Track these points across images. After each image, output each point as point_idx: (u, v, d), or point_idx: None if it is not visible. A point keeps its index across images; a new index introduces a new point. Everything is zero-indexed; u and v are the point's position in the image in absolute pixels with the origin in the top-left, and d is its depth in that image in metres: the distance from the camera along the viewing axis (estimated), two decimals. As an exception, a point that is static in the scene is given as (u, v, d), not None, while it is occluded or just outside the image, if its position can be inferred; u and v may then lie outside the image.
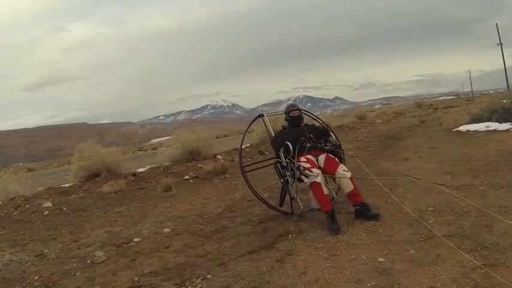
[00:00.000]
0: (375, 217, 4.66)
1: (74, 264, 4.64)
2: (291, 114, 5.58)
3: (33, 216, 7.38)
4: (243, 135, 6.36)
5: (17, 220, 7.16)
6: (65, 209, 7.78)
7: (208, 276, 3.81)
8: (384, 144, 12.52)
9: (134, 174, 10.49)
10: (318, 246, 4.15)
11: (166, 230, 5.64)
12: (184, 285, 3.69)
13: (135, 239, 5.35)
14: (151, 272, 4.15)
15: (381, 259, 3.59)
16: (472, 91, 62.61)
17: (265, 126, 6.10)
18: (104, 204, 7.97)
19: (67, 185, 10.15)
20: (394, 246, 3.84)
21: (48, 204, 8.05)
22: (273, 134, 5.79)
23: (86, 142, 11.50)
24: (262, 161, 6.22)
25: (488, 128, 11.50)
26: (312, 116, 6.64)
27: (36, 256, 5.10)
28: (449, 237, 3.84)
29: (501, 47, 44.78)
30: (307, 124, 5.73)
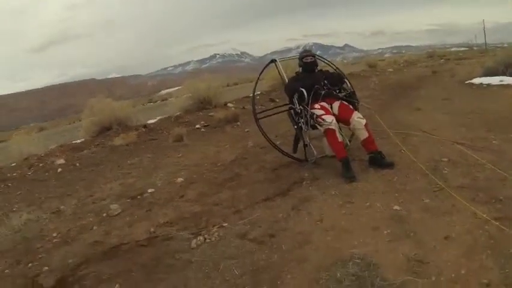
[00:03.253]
0: (389, 165, 4.66)
1: (91, 219, 4.75)
2: (304, 60, 5.46)
3: (47, 174, 7.44)
4: (255, 82, 6.24)
5: (32, 179, 7.23)
6: (78, 164, 7.82)
7: (224, 224, 3.89)
8: (396, 93, 12.34)
9: (145, 126, 10.44)
10: (333, 193, 4.19)
11: (180, 179, 5.68)
12: (200, 234, 3.75)
13: (149, 190, 5.42)
14: (167, 222, 4.23)
15: (396, 207, 3.62)
16: (485, 43, 61.34)
17: (278, 72, 6.00)
18: (116, 157, 7.99)
19: (79, 141, 10.20)
20: (409, 195, 3.86)
21: (61, 161, 8.10)
22: (287, 80, 5.69)
23: (95, 97, 11.43)
24: (274, 108, 6.12)
25: (502, 82, 11.21)
26: (327, 62, 6.54)
27: (53, 213, 5.21)
28: (464, 188, 3.85)
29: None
30: (321, 70, 5.63)
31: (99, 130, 10.46)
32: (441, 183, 3.97)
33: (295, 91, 5.18)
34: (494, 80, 11.51)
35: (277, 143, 6.14)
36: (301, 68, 5.55)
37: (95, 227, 4.46)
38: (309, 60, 5.46)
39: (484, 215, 3.21)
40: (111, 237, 4.12)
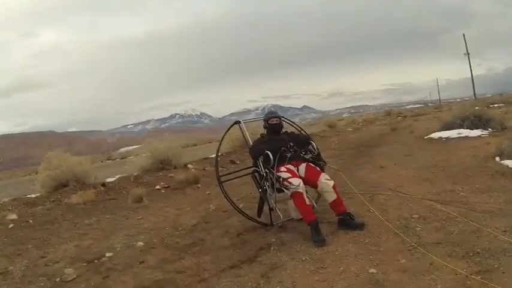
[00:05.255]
0: (359, 226, 4.52)
1: (42, 283, 4.33)
2: (269, 122, 5.39)
3: None
4: (219, 143, 6.17)
5: None
6: (31, 221, 7.34)
7: (188, 296, 3.57)
8: (357, 152, 12.49)
9: (104, 184, 10.12)
10: (303, 258, 3.97)
11: (140, 243, 5.36)
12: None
13: (107, 254, 5.04)
14: None
15: (372, 270, 3.45)
16: (439, 99, 64.16)
17: (242, 134, 5.91)
18: (72, 216, 7.55)
19: (34, 195, 9.77)
20: (384, 256, 3.71)
21: (14, 216, 7.57)
22: (251, 142, 5.58)
23: (54, 151, 11.13)
24: (238, 171, 5.96)
25: (460, 135, 11.67)
26: (292, 124, 6.45)
27: (0, 274, 4.74)
28: (439, 244, 3.77)
29: (468, 57, 46.30)
30: (286, 132, 5.56)
31: (56, 185, 10.03)
32: (415, 241, 3.87)
33: (260, 154, 5.07)
34: (453, 133, 11.95)
35: (240, 206, 5.98)
36: (266, 130, 5.47)
37: None
38: (274, 122, 5.39)
39: (464, 271, 3.11)
40: None
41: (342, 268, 3.59)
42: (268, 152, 4.92)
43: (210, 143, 35.44)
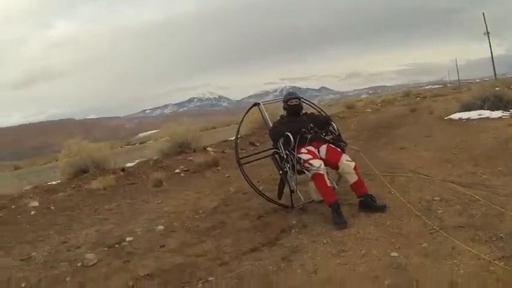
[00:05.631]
0: (381, 209, 4.47)
1: (64, 268, 4.36)
2: (289, 103, 5.33)
3: (19, 217, 7.07)
4: (238, 125, 6.15)
5: (3, 222, 6.83)
6: (52, 207, 7.46)
7: (210, 279, 3.60)
8: (377, 133, 12.33)
9: (123, 169, 10.23)
10: (324, 241, 3.94)
11: (160, 227, 5.40)
12: (184, 290, 3.46)
13: (128, 238, 5.08)
14: (147, 275, 3.89)
15: (393, 253, 3.41)
16: (459, 80, 62.97)
17: (262, 116, 5.86)
18: (93, 202, 7.67)
19: (54, 182, 9.94)
20: (405, 239, 3.66)
21: (35, 203, 7.73)
22: (271, 124, 5.54)
23: (73, 138, 11.26)
24: (259, 153, 5.91)
25: (481, 116, 11.40)
26: (312, 104, 6.40)
27: (23, 260, 4.79)
28: (461, 228, 3.69)
29: (488, 36, 45.29)
30: (306, 113, 5.50)
31: (76, 172, 10.22)
32: (437, 224, 3.81)
33: (280, 135, 5.03)
34: (473, 115, 11.68)
35: (260, 188, 5.96)
36: (285, 111, 5.43)
37: (68, 278, 4.05)
38: (294, 103, 5.33)
39: (487, 256, 3.05)
40: None
41: (363, 251, 3.55)
42: (289, 134, 4.89)
43: (228, 125, 35.35)
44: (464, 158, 6.52)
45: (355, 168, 4.66)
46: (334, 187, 5.06)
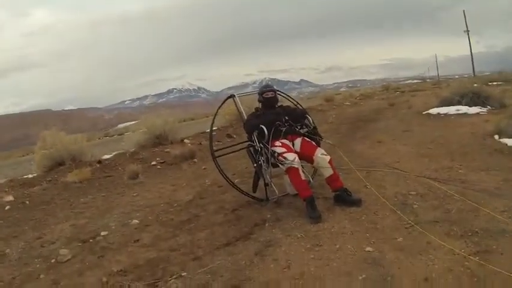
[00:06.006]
0: (356, 203, 4.42)
1: (38, 265, 4.30)
2: (264, 96, 5.25)
3: None
4: (212, 117, 6.05)
5: None
6: (27, 202, 7.38)
7: (183, 274, 3.53)
8: (355, 126, 12.36)
9: (100, 162, 10.14)
10: (298, 235, 3.88)
11: (135, 221, 5.33)
12: (157, 286, 3.41)
13: (102, 233, 5.03)
14: (121, 270, 3.83)
15: (368, 248, 3.37)
16: (438, 75, 63.75)
17: (237, 108, 5.78)
18: (68, 195, 7.59)
19: (30, 175, 9.84)
20: (381, 234, 3.63)
21: (10, 198, 7.65)
22: (245, 116, 5.45)
23: (50, 129, 11.09)
24: (233, 146, 5.82)
25: (459, 112, 11.51)
26: (287, 97, 6.29)
27: None
28: (436, 222, 3.68)
29: (468, 34, 45.98)
30: (281, 106, 5.42)
31: (52, 165, 10.11)
32: (412, 219, 3.79)
33: (254, 128, 4.96)
34: (451, 110, 11.81)
35: (236, 181, 5.94)
36: (260, 104, 5.34)
37: (42, 275, 3.99)
38: (269, 96, 5.26)
39: (462, 251, 3.04)
40: (59, 287, 3.71)
41: (337, 246, 3.51)
42: (263, 126, 4.82)
43: (207, 117, 35.24)
44: (442, 152, 6.55)
45: (330, 162, 4.60)
46: (310, 181, 5.01)
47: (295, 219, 4.35)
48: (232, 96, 5.76)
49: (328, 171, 4.59)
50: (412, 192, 4.59)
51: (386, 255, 3.19)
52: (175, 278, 3.47)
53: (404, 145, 7.74)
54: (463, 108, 11.68)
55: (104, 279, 3.68)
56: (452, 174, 5.20)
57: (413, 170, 5.53)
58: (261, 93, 5.29)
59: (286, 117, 5.05)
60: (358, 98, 30.35)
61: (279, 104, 5.39)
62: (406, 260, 3.07)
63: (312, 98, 35.88)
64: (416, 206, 4.18)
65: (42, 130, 11.66)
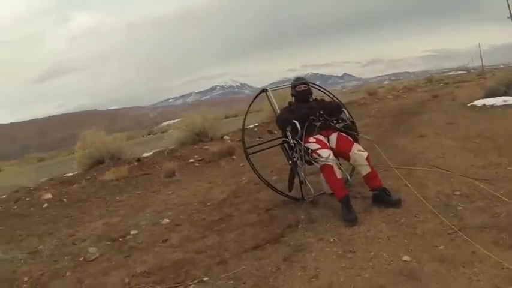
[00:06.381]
0: (395, 203, 4.10)
1: (66, 263, 4.39)
2: (297, 89, 4.99)
3: (32, 209, 7.17)
4: (245, 114, 5.81)
5: (16, 214, 6.98)
6: (65, 200, 7.55)
7: (204, 279, 3.40)
8: (397, 119, 11.91)
9: (139, 160, 10.17)
10: (331, 240, 3.63)
11: (166, 220, 5.29)
12: (177, 291, 3.28)
13: (132, 232, 5.03)
14: (145, 272, 3.79)
15: (405, 257, 3.04)
16: (482, 65, 61.50)
17: (270, 103, 5.55)
18: (105, 193, 7.70)
19: (70, 174, 10.03)
20: (420, 240, 3.30)
21: (48, 196, 7.83)
22: (278, 111, 5.19)
23: (97, 129, 11.36)
24: (266, 142, 5.65)
25: (506, 103, 10.84)
26: (322, 89, 5.98)
27: (30, 253, 4.88)
28: (483, 229, 3.29)
29: (512, 20, 44.12)
30: (316, 99, 5.13)
31: (92, 163, 10.25)
32: (456, 223, 3.43)
33: (287, 123, 4.68)
34: (498, 101, 11.17)
35: (273, 178, 5.84)
36: (293, 98, 5.09)
37: (68, 273, 4.09)
38: (302, 89, 4.99)
39: (512, 266, 2.66)
40: (82, 287, 3.76)
41: (372, 253, 3.22)
42: (296, 122, 4.55)
43: (250, 113, 35.24)
44: (488, 147, 6.07)
45: (367, 159, 4.29)
46: (347, 179, 4.71)
47: (330, 220, 4.11)
48: (264, 90, 5.55)
49: (365, 169, 4.29)
50: (457, 192, 4.21)
51: (425, 267, 2.86)
52: (195, 283, 3.36)
53: (448, 139, 7.27)
54: (510, 99, 11.01)
55: (126, 280, 3.68)
56: (500, 171, 4.74)
57: (458, 167, 5.12)
58: (293, 87, 5.04)
59: (321, 111, 4.75)
60: (401, 91, 29.69)
61: (313, 97, 5.12)
62: (447, 274, 2.73)
63: (355, 92, 35.30)
64: (460, 208, 3.80)
65: (89, 129, 11.92)
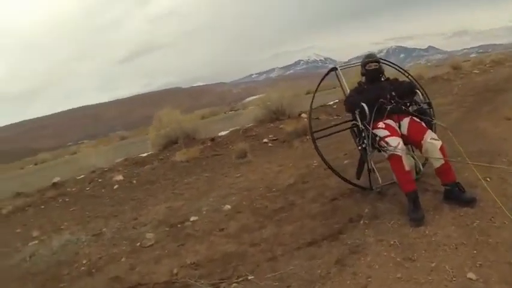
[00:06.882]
0: (469, 202, 3.60)
1: (124, 247, 4.57)
2: (367, 68, 4.52)
3: (103, 190, 7.58)
4: (313, 94, 5.44)
5: (88, 195, 7.42)
6: (134, 181, 7.85)
7: (249, 277, 3.28)
8: (482, 98, 10.69)
9: (213, 139, 10.19)
10: (391, 242, 3.25)
11: (227, 206, 5.23)
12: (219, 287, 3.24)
13: (192, 218, 5.06)
14: (194, 263, 3.81)
15: (470, 274, 2.58)
16: None
17: (339, 83, 5.11)
18: (173, 175, 7.83)
19: (145, 154, 10.37)
20: (491, 253, 2.81)
21: (120, 177, 8.19)
22: (348, 92, 4.77)
23: (181, 106, 11.55)
24: (335, 125, 5.09)
25: None
26: (395, 66, 5.45)
27: (93, 235, 5.24)
28: None
29: None
30: (388, 78, 4.67)
31: (166, 143, 10.51)
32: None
33: (355, 106, 4.26)
34: None
35: (345, 162, 5.62)
36: (363, 77, 4.64)
37: (123, 259, 4.27)
38: (372, 68, 4.51)
39: None
40: (133, 273, 3.89)
41: (433, 264, 2.79)
42: (364, 105, 4.14)
43: (334, 88, 34.53)
44: None
45: (441, 149, 3.81)
46: (420, 169, 4.30)
47: (395, 217, 3.71)
48: (334, 69, 5.15)
49: (438, 161, 3.82)
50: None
51: (492, 289, 2.39)
52: (239, 282, 3.27)
53: (537, 124, 6.35)
54: None
55: (175, 271, 3.72)
56: None
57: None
58: (363, 65, 4.59)
59: (393, 93, 4.28)
60: (488, 65, 27.66)
61: (385, 77, 4.69)
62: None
63: (440, 66, 33.45)
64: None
65: (173, 107, 12.12)
